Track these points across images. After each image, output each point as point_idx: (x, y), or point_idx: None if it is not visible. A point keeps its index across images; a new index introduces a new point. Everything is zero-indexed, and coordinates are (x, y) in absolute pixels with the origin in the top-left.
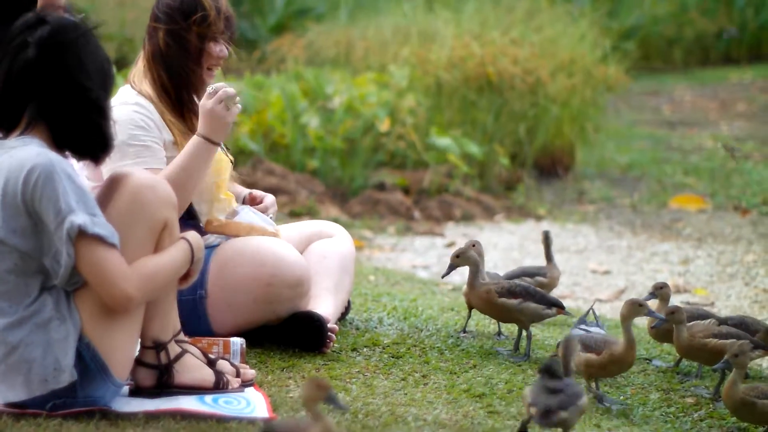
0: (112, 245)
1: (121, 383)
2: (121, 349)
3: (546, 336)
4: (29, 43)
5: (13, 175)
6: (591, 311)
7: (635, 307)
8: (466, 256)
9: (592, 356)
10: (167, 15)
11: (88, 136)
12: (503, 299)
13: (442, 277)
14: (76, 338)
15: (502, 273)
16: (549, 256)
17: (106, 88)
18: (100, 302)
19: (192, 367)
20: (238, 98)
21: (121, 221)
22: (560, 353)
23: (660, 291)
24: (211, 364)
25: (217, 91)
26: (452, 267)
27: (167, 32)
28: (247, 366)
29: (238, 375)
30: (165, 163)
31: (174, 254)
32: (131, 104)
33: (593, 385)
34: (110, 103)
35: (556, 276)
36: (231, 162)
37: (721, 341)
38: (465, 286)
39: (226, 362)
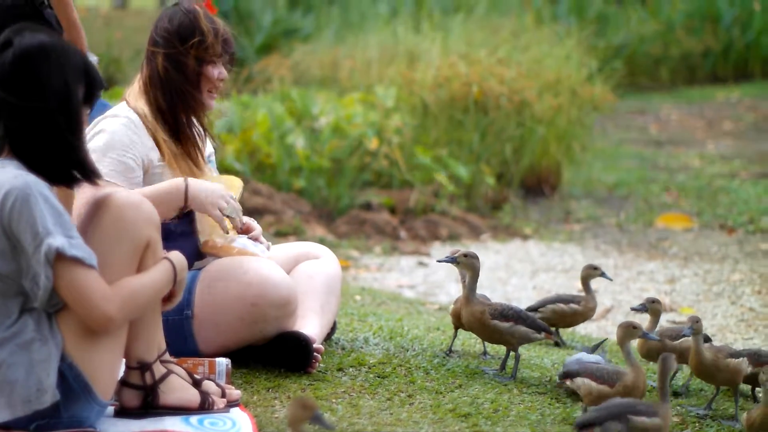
0: (90, 266)
1: (106, 403)
2: (105, 369)
3: (532, 356)
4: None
5: None
6: (601, 346)
7: (629, 330)
8: (471, 262)
9: (605, 388)
10: (165, 39)
11: (51, 161)
12: (495, 321)
13: (438, 261)
14: (58, 358)
15: (488, 293)
16: (587, 288)
17: (70, 111)
18: (82, 322)
19: (177, 388)
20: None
21: (104, 240)
22: (658, 370)
23: (651, 305)
24: (196, 384)
25: None
26: (453, 259)
27: (165, 56)
28: (233, 386)
29: (223, 395)
30: (137, 184)
31: (156, 275)
32: (121, 117)
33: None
34: (79, 127)
35: (592, 307)
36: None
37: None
38: (453, 305)
39: (212, 383)
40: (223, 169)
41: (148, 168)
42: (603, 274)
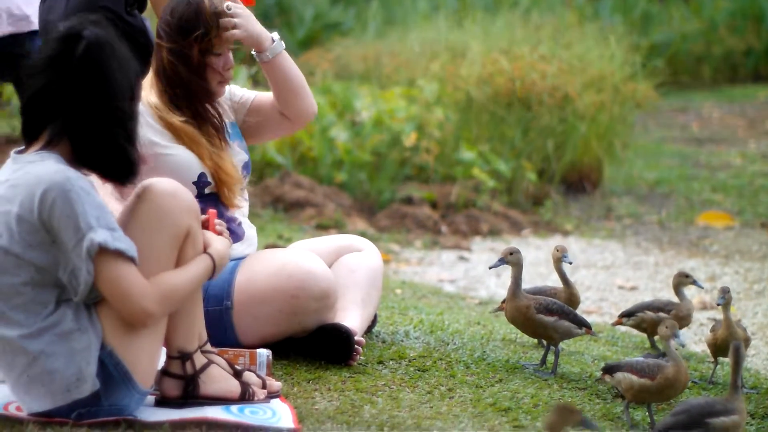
0: (131, 259)
1: (146, 391)
2: (144, 357)
3: (572, 351)
4: (63, 59)
5: (29, 192)
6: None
7: (664, 329)
8: (517, 258)
9: (646, 381)
10: (167, 33)
11: (111, 158)
12: (540, 315)
13: (490, 267)
14: (98, 347)
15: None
16: (681, 295)
17: (133, 105)
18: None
19: (218, 378)
20: None
21: (143, 230)
22: (731, 360)
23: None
24: (237, 375)
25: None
26: (502, 261)
27: (169, 50)
28: (273, 378)
29: (264, 387)
30: None
31: (194, 270)
32: None
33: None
34: (137, 125)
35: (685, 315)
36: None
37: None
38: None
39: (252, 374)
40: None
41: (149, 148)
42: (695, 282)
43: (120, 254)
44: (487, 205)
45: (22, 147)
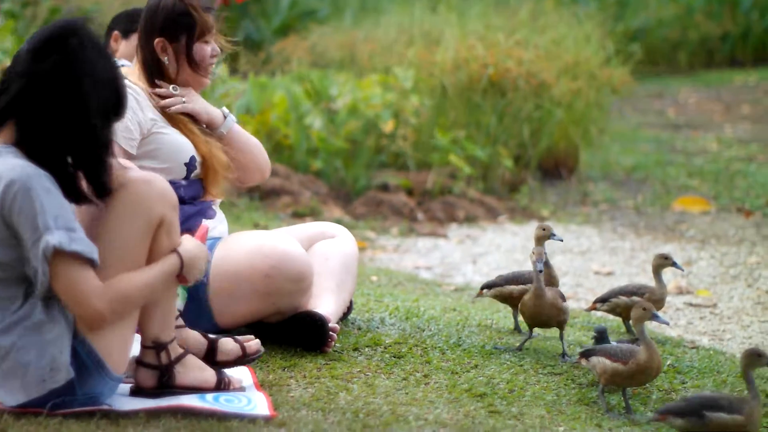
0: (89, 261)
1: (119, 377)
2: (117, 344)
3: (548, 336)
4: (33, 69)
5: None
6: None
7: (640, 311)
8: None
9: (618, 366)
10: (152, 25)
11: (67, 161)
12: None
13: (539, 271)
14: (71, 336)
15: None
16: (658, 278)
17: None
18: None
19: (193, 368)
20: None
21: (117, 216)
22: (741, 365)
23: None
24: (212, 345)
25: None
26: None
27: (157, 41)
28: (252, 337)
29: (243, 350)
30: (131, 148)
31: (157, 270)
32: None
33: (603, 394)
34: (112, 143)
35: (659, 298)
36: None
37: None
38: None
39: (230, 339)
40: None
41: (147, 134)
42: (675, 264)
43: (77, 256)
44: (463, 191)
45: None
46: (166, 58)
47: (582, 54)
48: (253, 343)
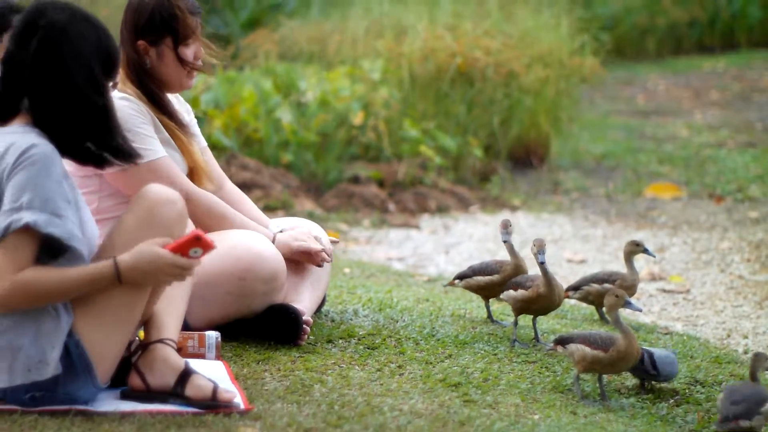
0: (65, 246)
1: (102, 387)
2: (110, 354)
3: (522, 325)
4: (22, 42)
5: (6, 147)
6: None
7: (612, 298)
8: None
9: (599, 353)
10: (136, 27)
11: (79, 140)
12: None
13: (543, 263)
14: (66, 333)
15: (478, 263)
16: (630, 264)
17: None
18: (100, 304)
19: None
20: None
21: (136, 229)
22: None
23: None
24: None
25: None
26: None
27: (140, 43)
28: (222, 359)
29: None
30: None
31: (80, 274)
32: (117, 98)
33: (579, 382)
34: (106, 104)
35: (630, 284)
36: None
37: None
38: (539, 287)
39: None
40: (211, 144)
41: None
42: (646, 251)
43: (47, 238)
44: (435, 182)
45: None
46: (148, 60)
47: (551, 43)
48: (228, 393)
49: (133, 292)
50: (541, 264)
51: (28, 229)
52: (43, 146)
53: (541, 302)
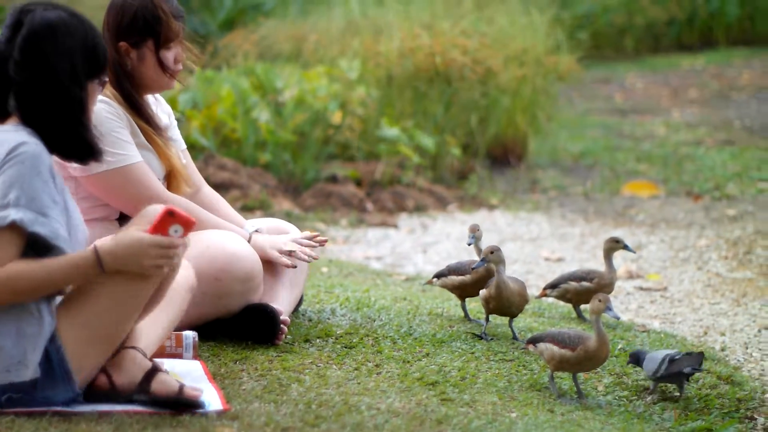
0: (50, 245)
1: (79, 392)
2: (90, 363)
3: (498, 323)
4: (10, 39)
5: None
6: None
7: (596, 303)
8: (498, 256)
9: (566, 352)
10: (117, 30)
11: (61, 136)
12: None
13: (472, 269)
14: (48, 338)
15: (455, 262)
16: (609, 261)
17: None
18: (88, 314)
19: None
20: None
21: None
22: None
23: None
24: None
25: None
26: (486, 261)
27: (121, 45)
28: (200, 359)
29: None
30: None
31: (61, 265)
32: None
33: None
34: (83, 104)
35: (608, 282)
36: None
37: None
38: (488, 290)
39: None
40: (189, 144)
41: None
42: (626, 247)
43: (34, 236)
44: (413, 181)
45: None
46: (128, 61)
47: (528, 41)
48: (195, 391)
49: (122, 307)
50: (468, 245)
51: (14, 227)
52: (33, 145)
53: (494, 303)
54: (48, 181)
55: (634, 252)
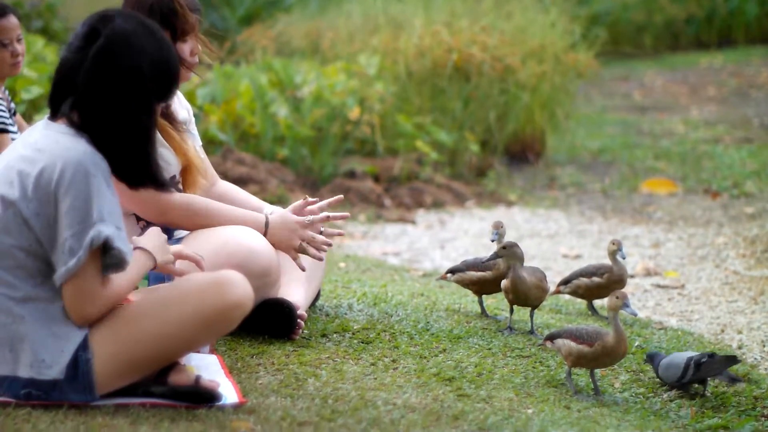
0: (122, 261)
1: (98, 398)
2: (116, 384)
3: (516, 320)
4: (84, 46)
5: (53, 161)
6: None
7: (613, 300)
8: (512, 252)
9: (584, 348)
10: None
11: (120, 154)
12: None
13: (483, 262)
14: (78, 344)
15: (472, 258)
16: (614, 260)
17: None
18: (130, 332)
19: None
20: None
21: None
22: None
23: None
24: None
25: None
26: (496, 256)
27: None
28: (216, 353)
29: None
30: None
31: (136, 274)
32: None
33: (573, 376)
34: (148, 129)
35: (617, 279)
36: None
37: None
38: (506, 282)
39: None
40: (207, 139)
41: None
42: (619, 250)
43: (112, 254)
44: (431, 177)
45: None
46: None
47: (547, 38)
48: (212, 383)
49: (168, 339)
50: (492, 241)
51: (109, 245)
52: (97, 157)
53: (512, 296)
54: (112, 188)
55: (624, 257)
